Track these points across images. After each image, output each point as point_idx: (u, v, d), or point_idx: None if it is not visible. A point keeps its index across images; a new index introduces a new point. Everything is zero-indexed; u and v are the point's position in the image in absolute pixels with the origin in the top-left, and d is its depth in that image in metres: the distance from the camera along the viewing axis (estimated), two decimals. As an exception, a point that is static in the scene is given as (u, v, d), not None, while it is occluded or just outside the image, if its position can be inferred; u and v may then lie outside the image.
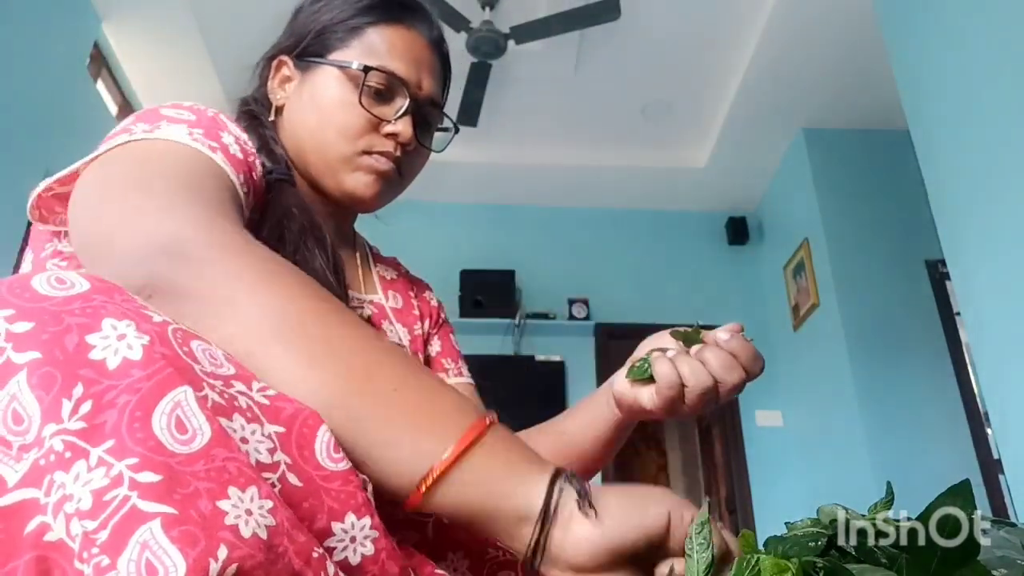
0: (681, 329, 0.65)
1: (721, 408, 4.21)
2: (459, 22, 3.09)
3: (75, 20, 3.19)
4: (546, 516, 0.41)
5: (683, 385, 0.59)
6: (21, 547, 0.30)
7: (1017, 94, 1.99)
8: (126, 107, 3.74)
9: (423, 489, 0.41)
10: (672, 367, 0.60)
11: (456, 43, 3.12)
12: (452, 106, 3.38)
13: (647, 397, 0.63)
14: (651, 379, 0.62)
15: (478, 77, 3.36)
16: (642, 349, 0.67)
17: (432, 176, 4.30)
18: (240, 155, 0.62)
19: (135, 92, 3.77)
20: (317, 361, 0.43)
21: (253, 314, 0.43)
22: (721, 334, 0.61)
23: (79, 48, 3.26)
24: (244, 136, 0.67)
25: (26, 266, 0.65)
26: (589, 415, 0.72)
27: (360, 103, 0.72)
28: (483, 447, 0.42)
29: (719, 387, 0.59)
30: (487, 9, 3.22)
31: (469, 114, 3.49)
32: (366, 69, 0.72)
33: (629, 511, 0.41)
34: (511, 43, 3.20)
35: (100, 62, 3.54)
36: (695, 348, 0.62)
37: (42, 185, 0.59)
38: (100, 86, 3.54)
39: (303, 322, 0.44)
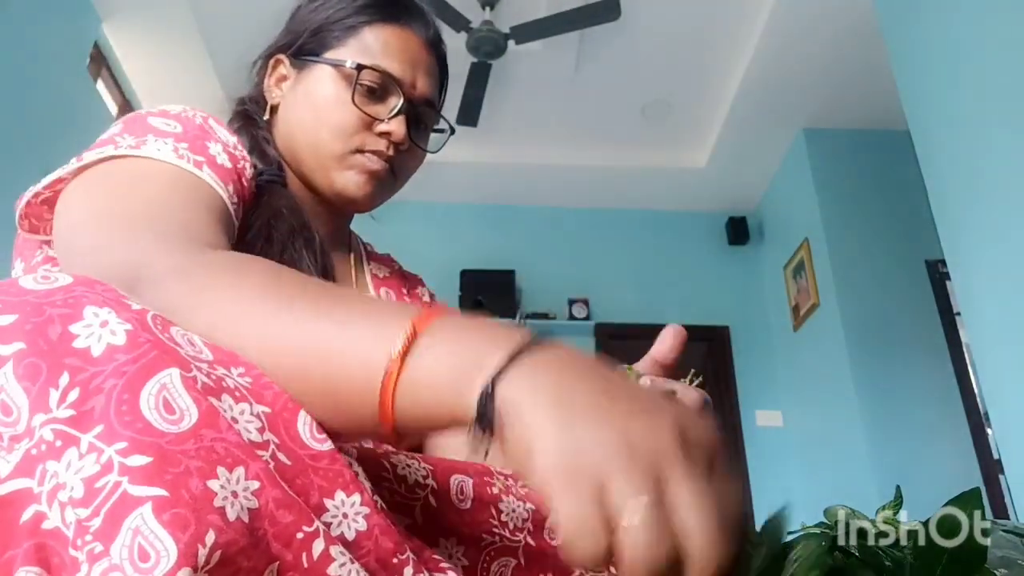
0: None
1: (721, 408, 4.21)
2: (459, 22, 3.09)
3: (75, 20, 3.19)
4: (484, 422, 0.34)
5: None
6: (17, 536, 0.30)
7: (1017, 94, 1.99)
8: (126, 107, 3.73)
9: (389, 397, 0.36)
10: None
11: (456, 43, 3.11)
12: (452, 106, 3.38)
13: None
14: None
15: (478, 77, 3.36)
16: None
17: (432, 176, 4.30)
18: (228, 163, 0.63)
19: (135, 92, 3.77)
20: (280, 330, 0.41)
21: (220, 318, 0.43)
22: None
23: (79, 48, 3.26)
24: (234, 140, 0.67)
25: (16, 274, 0.65)
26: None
27: (353, 101, 0.72)
28: (430, 336, 0.37)
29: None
30: (487, 9, 3.22)
31: (469, 114, 3.48)
32: (359, 67, 0.72)
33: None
34: (511, 43, 3.20)
35: (100, 62, 3.54)
36: None
37: (27, 195, 0.60)
38: (100, 86, 3.53)
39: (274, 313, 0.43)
